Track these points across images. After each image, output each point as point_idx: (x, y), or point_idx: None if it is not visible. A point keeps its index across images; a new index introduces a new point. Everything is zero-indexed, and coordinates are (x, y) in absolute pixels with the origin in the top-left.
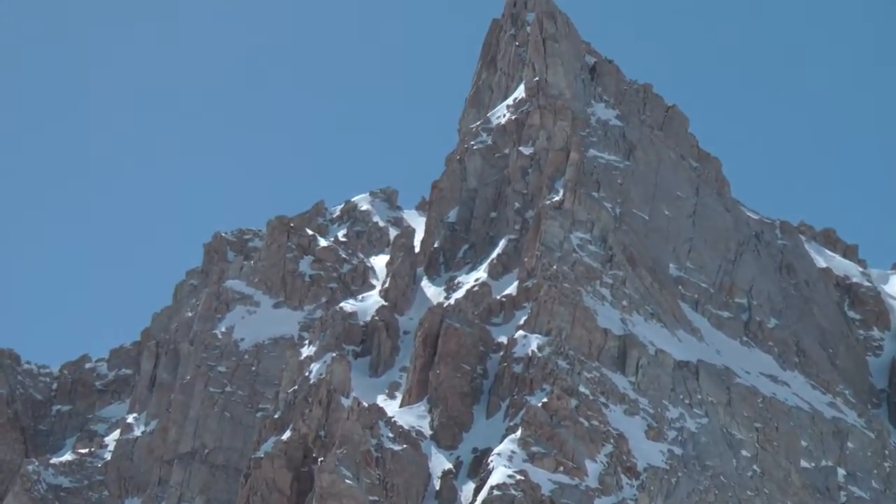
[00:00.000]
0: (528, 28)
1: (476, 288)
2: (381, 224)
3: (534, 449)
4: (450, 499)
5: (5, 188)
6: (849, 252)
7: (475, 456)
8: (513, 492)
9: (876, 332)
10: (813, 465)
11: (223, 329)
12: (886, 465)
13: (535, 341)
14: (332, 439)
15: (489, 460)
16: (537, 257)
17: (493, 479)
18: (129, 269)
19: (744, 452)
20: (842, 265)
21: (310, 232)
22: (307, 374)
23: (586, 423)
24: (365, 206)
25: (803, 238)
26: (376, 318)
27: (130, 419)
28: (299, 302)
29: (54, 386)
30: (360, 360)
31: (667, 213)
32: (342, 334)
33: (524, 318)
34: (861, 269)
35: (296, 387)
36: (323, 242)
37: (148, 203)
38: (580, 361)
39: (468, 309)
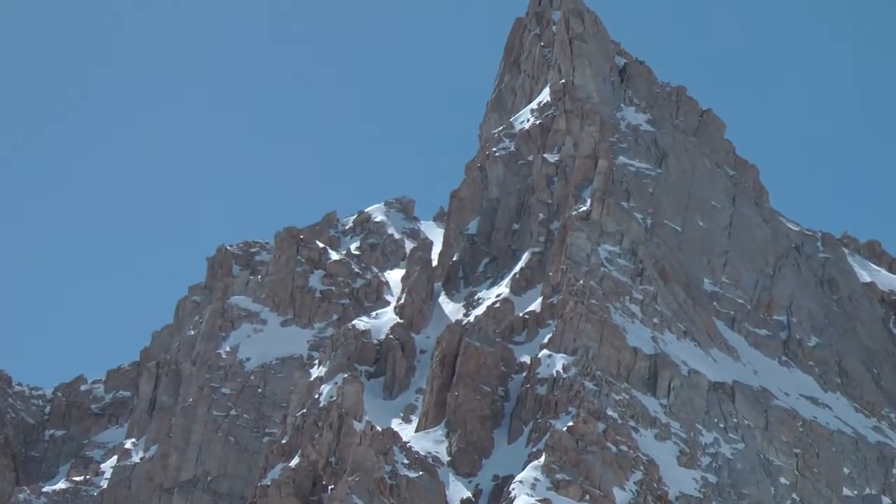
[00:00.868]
0: (554, 27)
1: (497, 304)
2: (397, 236)
3: (558, 476)
4: None
5: None
6: (895, 266)
7: (496, 484)
8: None
9: None
10: (856, 493)
11: (228, 348)
12: None
13: (560, 361)
14: (344, 466)
15: (511, 488)
16: (563, 272)
17: None
18: (128, 285)
19: (782, 480)
20: (887, 280)
21: (320, 245)
22: (317, 396)
23: (614, 449)
24: (379, 217)
25: (846, 251)
26: (391, 336)
27: (128, 445)
28: (309, 319)
29: (47, 409)
30: (373, 381)
31: (701, 224)
32: (354, 354)
33: (548, 336)
34: None
35: (305, 410)
36: (334, 256)
37: (148, 214)
38: (608, 383)
39: (489, 327)
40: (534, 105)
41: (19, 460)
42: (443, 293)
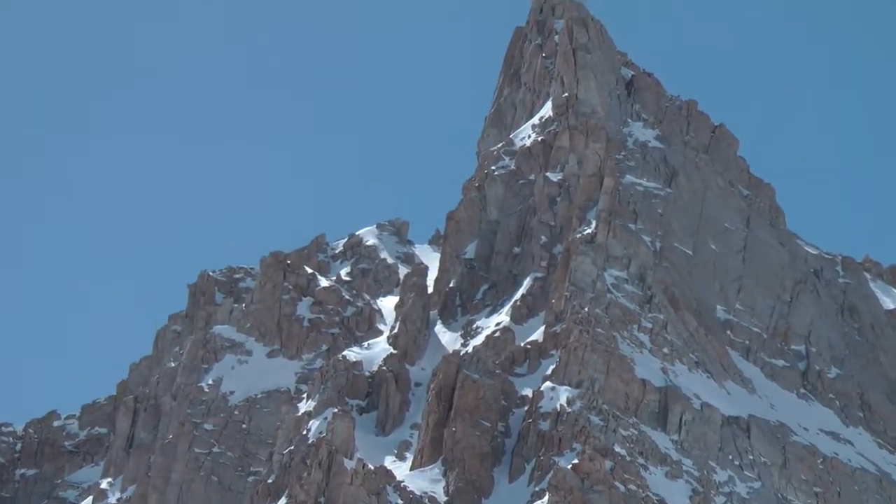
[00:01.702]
0: (556, 37)
1: (497, 334)
2: (390, 261)
3: None
4: None
5: None
6: None
7: None
8: None
9: None
10: None
11: (210, 381)
12: None
13: (564, 394)
14: None
15: None
16: (566, 298)
17: None
18: (104, 313)
19: None
20: None
21: (309, 270)
22: (305, 432)
23: (623, 488)
24: (371, 241)
25: (868, 276)
26: (384, 368)
27: (104, 484)
28: (297, 350)
29: (18, 447)
30: (365, 416)
31: (713, 247)
32: (345, 387)
33: (552, 367)
34: None
35: (292, 447)
36: (324, 282)
37: (125, 238)
38: (615, 417)
39: (488, 358)
40: (535, 120)
41: None
42: (439, 322)
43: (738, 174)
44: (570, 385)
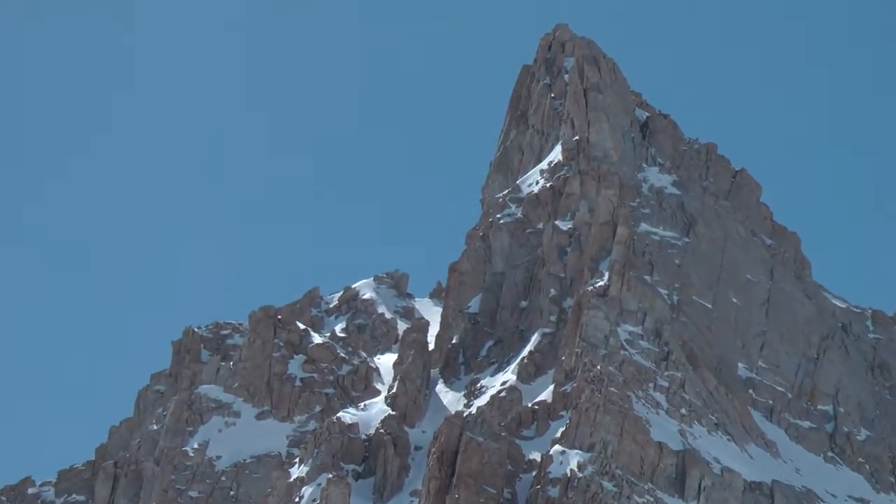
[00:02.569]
0: (566, 76)
1: (503, 393)
2: (388, 316)
3: None
4: None
5: None
6: None
7: None
8: None
9: None
10: None
11: (195, 445)
12: None
13: (574, 459)
14: None
15: None
16: (577, 355)
17: None
18: (81, 372)
19: None
20: None
21: (301, 326)
22: (298, 499)
23: None
24: (368, 294)
25: None
26: (382, 430)
27: None
28: (288, 412)
29: None
30: (361, 481)
31: (735, 300)
32: (340, 451)
33: (561, 429)
34: None
35: None
36: (317, 339)
37: (105, 291)
38: (630, 483)
39: (493, 419)
40: (543, 165)
41: None
42: (440, 381)
43: (760, 222)
44: (581, 448)
